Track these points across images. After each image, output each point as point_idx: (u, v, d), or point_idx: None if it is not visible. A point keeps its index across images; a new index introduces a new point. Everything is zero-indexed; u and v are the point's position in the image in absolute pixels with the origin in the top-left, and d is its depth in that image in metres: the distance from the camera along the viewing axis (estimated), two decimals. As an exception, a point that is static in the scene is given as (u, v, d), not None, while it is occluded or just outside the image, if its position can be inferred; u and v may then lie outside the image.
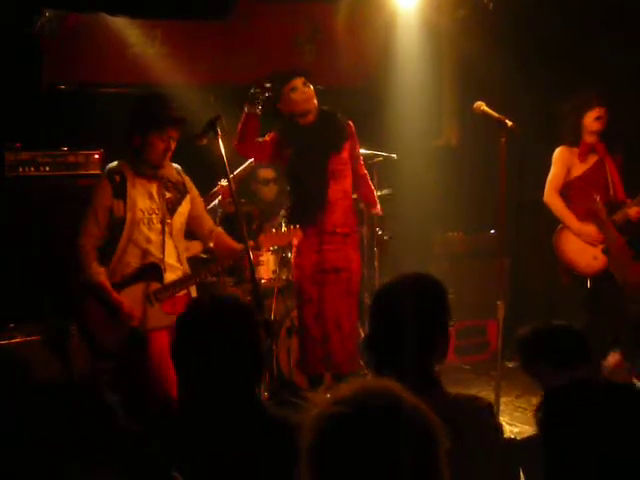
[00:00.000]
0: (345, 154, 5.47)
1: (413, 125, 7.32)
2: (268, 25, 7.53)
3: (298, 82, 5.41)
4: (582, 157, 5.82)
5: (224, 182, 5.64)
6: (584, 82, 5.94)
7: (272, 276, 6.30)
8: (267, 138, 5.40)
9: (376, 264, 6.64)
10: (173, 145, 4.57)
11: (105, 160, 5.68)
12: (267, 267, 6.31)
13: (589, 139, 5.80)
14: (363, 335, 6.14)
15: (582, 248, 5.77)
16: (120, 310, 4.45)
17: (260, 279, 6.07)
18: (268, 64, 7.53)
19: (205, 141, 4.61)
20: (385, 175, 6.59)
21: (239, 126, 5.25)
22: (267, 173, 6.97)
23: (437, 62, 7.67)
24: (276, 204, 6.74)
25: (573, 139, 5.84)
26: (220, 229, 4.98)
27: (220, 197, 5.91)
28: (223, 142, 4.49)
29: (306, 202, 5.35)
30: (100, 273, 4.47)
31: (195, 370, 2.48)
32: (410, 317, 2.69)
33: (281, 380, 6.00)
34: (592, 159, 5.84)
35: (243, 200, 6.18)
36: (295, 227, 5.06)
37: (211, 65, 7.28)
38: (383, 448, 1.55)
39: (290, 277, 6.35)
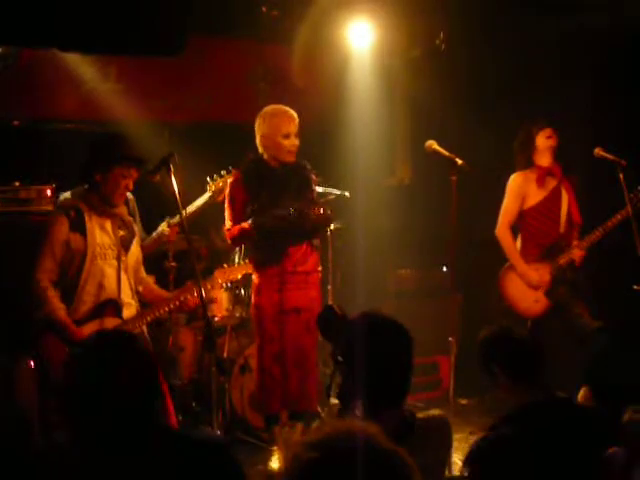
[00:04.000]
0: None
1: (366, 164, 7.37)
2: (220, 62, 7.56)
3: (293, 129, 5.34)
4: (540, 182, 5.89)
5: (166, 226, 5.58)
6: (540, 118, 6.03)
7: (225, 314, 6.28)
8: (236, 180, 5.36)
9: (329, 301, 6.65)
10: (131, 185, 4.59)
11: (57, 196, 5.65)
12: (220, 305, 6.29)
13: (544, 162, 5.89)
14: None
15: (525, 290, 5.87)
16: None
17: (213, 317, 6.05)
18: (222, 101, 7.58)
19: (158, 177, 4.61)
20: (338, 213, 6.63)
21: (236, 236, 5.34)
22: None
23: (390, 102, 7.75)
24: (229, 256, 6.73)
25: (526, 162, 5.93)
26: (149, 278, 5.02)
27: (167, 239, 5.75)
28: (176, 179, 4.50)
29: (269, 243, 5.28)
30: (60, 309, 4.43)
31: (84, 408, 2.43)
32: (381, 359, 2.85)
33: (234, 418, 5.95)
34: (550, 184, 5.93)
35: (195, 237, 6.16)
36: (246, 261, 5.12)
37: (165, 101, 7.29)
38: None
39: (244, 315, 6.33)
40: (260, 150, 5.38)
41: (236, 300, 6.35)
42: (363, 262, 6.99)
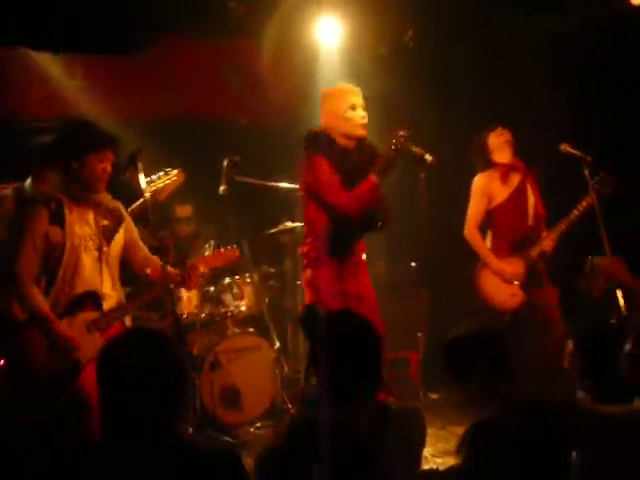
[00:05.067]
0: None
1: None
2: (189, 58, 7.54)
3: (359, 101, 5.02)
4: (504, 179, 5.94)
5: None
6: (507, 115, 6.07)
7: (194, 311, 6.27)
8: (321, 161, 4.90)
9: (299, 296, 6.66)
10: (109, 168, 4.52)
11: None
12: (189, 302, 6.28)
13: (504, 159, 5.93)
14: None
15: (500, 285, 5.90)
16: (62, 340, 4.37)
17: (181, 314, 6.03)
18: (191, 98, 7.57)
19: (127, 175, 4.60)
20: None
21: (366, 192, 4.85)
22: (184, 211, 6.91)
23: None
24: (191, 242, 6.70)
25: (485, 164, 5.98)
26: (155, 257, 4.94)
27: None
28: (143, 176, 4.50)
29: (344, 232, 4.96)
30: (42, 302, 4.38)
31: (115, 402, 2.49)
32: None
33: (204, 415, 5.95)
34: (515, 179, 5.97)
35: (163, 233, 6.16)
36: (232, 247, 5.04)
37: (133, 99, 7.26)
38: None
39: (213, 312, 6.32)
40: (324, 131, 5.02)
41: (205, 297, 6.35)
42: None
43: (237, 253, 5.09)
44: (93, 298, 4.54)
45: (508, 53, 6.91)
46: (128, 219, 4.79)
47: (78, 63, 7.01)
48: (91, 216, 4.59)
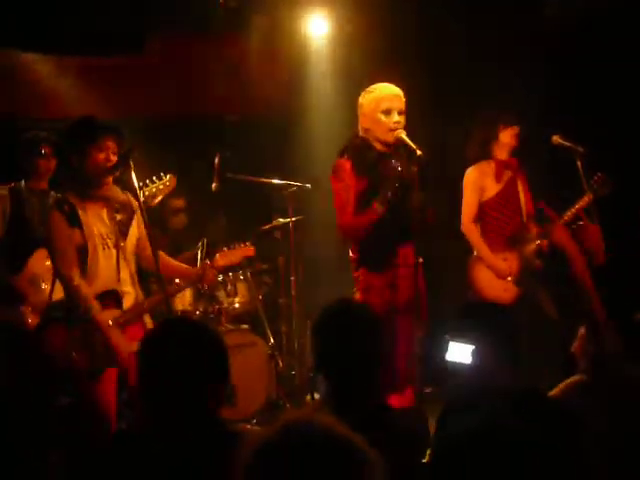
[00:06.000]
0: None
1: (326, 155, 7.37)
2: (181, 57, 7.53)
3: (396, 105, 4.84)
4: (498, 177, 5.89)
5: None
6: (508, 114, 6.03)
7: (188, 308, 6.27)
8: (346, 168, 4.84)
9: (293, 292, 6.67)
10: (113, 158, 4.47)
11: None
12: (183, 299, 6.28)
13: (502, 155, 5.88)
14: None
15: (493, 280, 5.85)
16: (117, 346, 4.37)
17: (177, 311, 6.04)
18: (182, 96, 7.56)
19: (118, 173, 4.57)
20: (299, 204, 6.64)
21: (366, 224, 4.74)
22: (178, 202, 6.89)
23: (349, 92, 7.76)
24: (184, 234, 6.68)
25: (482, 153, 5.88)
26: (162, 252, 4.91)
27: None
28: (136, 174, 4.48)
29: (379, 240, 4.82)
30: (99, 310, 4.39)
31: (159, 389, 2.53)
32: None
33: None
34: (506, 175, 5.90)
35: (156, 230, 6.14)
36: (246, 244, 4.98)
37: (124, 98, 7.22)
38: None
39: (208, 309, 6.32)
40: (361, 133, 4.94)
41: (198, 294, 6.35)
42: (324, 251, 7.01)
43: (252, 250, 5.00)
44: (114, 296, 4.51)
45: (500, 44, 6.89)
46: (138, 212, 4.68)
47: (72, 62, 6.99)
48: (105, 213, 4.55)
